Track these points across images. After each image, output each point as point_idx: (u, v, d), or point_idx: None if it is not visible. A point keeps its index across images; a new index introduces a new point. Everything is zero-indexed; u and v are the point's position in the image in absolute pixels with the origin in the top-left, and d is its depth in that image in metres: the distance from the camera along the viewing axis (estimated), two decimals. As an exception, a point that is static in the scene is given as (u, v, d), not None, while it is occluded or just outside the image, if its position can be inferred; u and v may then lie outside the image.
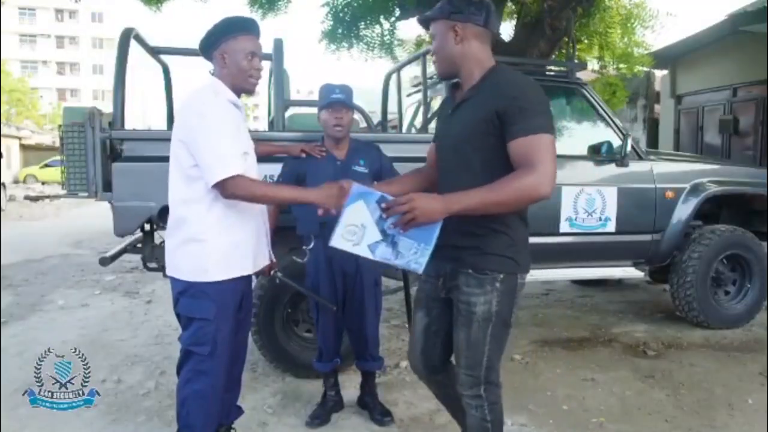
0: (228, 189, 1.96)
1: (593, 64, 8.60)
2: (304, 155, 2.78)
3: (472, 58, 1.75)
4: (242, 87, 2.15)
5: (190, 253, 2.04)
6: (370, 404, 2.88)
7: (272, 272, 2.57)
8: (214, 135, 1.98)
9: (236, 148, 2.02)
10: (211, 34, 2.13)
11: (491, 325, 1.75)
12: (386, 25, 7.69)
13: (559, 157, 3.86)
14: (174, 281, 2.12)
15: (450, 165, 1.83)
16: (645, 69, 9.33)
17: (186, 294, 2.07)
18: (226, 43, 2.10)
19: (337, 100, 2.66)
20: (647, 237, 3.99)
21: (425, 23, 1.85)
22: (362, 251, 1.71)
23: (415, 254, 1.68)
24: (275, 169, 2.93)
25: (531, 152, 1.58)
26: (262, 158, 2.81)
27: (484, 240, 1.74)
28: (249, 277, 2.24)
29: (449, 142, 1.84)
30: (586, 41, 8.25)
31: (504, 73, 1.74)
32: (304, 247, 2.77)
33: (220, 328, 2.09)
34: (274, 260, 2.45)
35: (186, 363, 2.14)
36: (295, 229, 2.81)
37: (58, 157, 4.68)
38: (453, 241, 1.75)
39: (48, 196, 16.83)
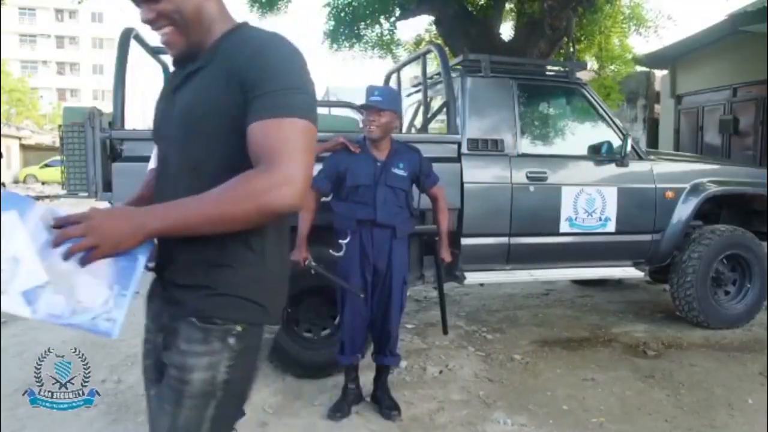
0: None
1: (591, 65, 8.64)
2: (341, 147, 2.86)
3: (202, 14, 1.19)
4: None
5: None
6: (381, 398, 2.93)
7: (306, 263, 2.73)
8: None
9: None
10: None
11: (213, 404, 1.16)
12: (386, 24, 7.72)
13: (560, 157, 3.94)
14: None
15: (171, 167, 1.23)
16: (634, 71, 9.42)
17: None
18: None
19: (367, 104, 2.74)
20: (647, 237, 3.99)
21: None
22: (12, 304, 0.99)
23: (105, 305, 1.07)
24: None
25: (272, 143, 1.07)
26: None
27: (215, 273, 1.17)
28: None
29: (169, 133, 1.23)
30: (585, 41, 8.28)
31: (249, 31, 1.20)
32: (340, 241, 2.83)
33: None
34: None
35: None
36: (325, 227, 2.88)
37: (58, 157, 4.68)
38: (178, 274, 1.20)
39: (48, 196, 16.82)
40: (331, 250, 2.87)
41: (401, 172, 2.79)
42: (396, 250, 2.82)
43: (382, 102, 2.72)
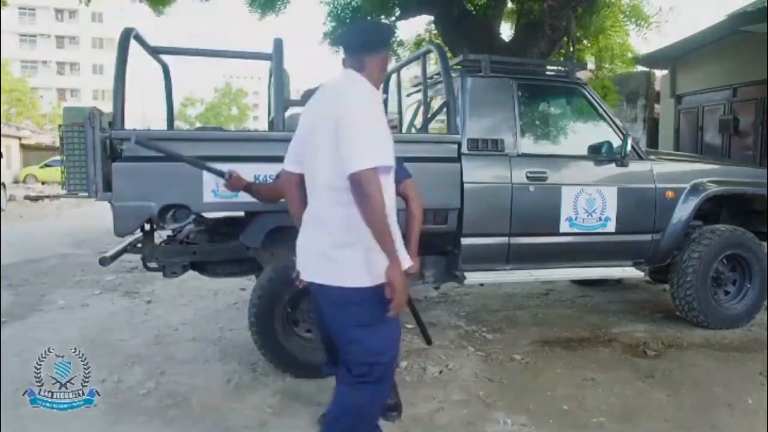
0: (361, 179, 1.82)
1: (591, 64, 8.65)
2: None
3: None
4: None
5: (355, 258, 1.95)
6: None
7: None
8: (366, 124, 1.90)
9: (384, 142, 1.93)
10: (378, 39, 2.09)
11: None
12: (386, 24, 7.72)
13: (560, 157, 3.93)
14: (329, 289, 2.00)
15: None
16: (635, 69, 9.46)
17: (359, 301, 1.98)
18: (383, 54, 2.09)
19: None
20: (647, 237, 3.99)
21: None
22: None
23: None
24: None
25: None
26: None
27: None
28: None
29: None
30: (585, 42, 8.29)
31: None
32: None
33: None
34: None
35: (367, 375, 2.03)
36: None
37: (58, 157, 4.69)
38: None
39: (48, 196, 16.83)
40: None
41: None
42: None
43: None
